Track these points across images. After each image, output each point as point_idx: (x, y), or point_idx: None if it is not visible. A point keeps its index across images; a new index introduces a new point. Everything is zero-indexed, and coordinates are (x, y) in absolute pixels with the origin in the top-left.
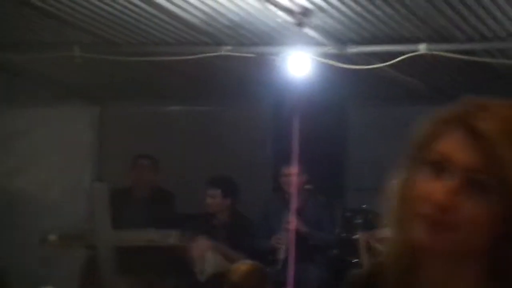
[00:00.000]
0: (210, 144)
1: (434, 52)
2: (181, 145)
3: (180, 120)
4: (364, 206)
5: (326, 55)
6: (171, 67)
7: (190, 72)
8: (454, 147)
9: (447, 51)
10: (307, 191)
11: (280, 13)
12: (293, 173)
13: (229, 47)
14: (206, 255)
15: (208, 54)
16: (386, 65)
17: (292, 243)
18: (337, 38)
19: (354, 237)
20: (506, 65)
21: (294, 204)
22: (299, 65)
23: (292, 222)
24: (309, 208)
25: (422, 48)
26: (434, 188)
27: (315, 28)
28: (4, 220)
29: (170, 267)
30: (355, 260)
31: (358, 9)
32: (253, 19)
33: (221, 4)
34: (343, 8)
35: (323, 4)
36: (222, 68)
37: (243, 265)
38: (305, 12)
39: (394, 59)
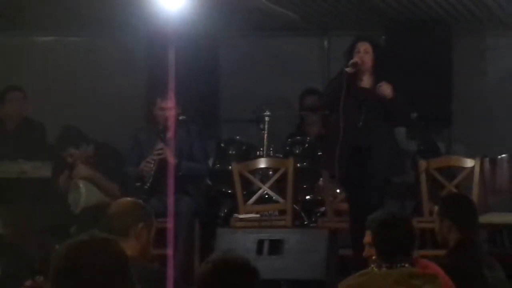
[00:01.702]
0: (83, 74)
1: None
2: (52, 75)
3: (52, 50)
4: (237, 137)
5: None
6: None
7: (60, 0)
8: None
9: None
10: (180, 122)
11: None
12: (168, 107)
13: None
14: (79, 186)
15: None
16: None
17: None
18: None
19: (228, 168)
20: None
21: (166, 134)
22: None
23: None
24: (182, 139)
25: None
26: None
27: None
28: None
29: (42, 199)
30: (229, 191)
31: None
32: None
33: None
34: None
35: None
36: None
37: (123, 201)
38: None
39: None
